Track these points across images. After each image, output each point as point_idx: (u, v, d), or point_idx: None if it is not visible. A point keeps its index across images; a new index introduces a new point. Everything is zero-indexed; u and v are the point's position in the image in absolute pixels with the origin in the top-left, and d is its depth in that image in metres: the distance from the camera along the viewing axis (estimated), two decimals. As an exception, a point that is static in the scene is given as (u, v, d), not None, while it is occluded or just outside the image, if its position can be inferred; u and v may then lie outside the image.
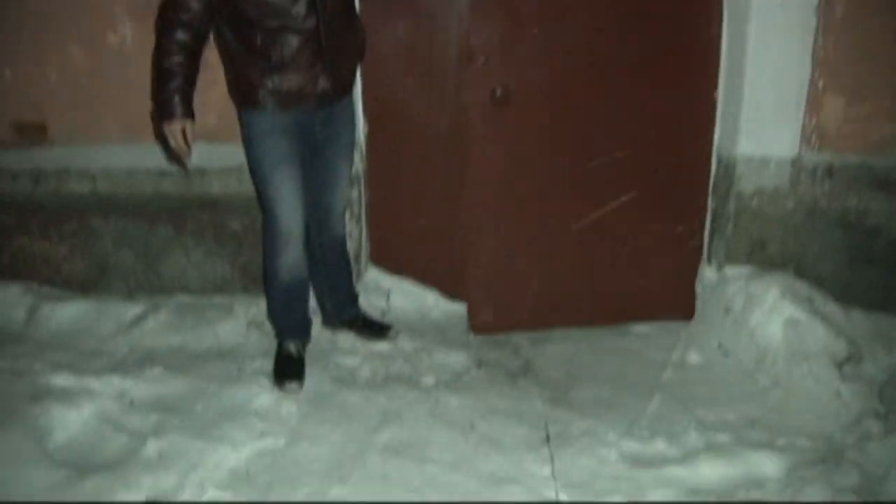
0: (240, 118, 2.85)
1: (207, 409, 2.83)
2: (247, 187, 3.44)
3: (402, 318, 3.55)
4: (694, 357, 3.14)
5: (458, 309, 3.66)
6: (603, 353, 3.29)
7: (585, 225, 3.07)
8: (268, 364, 3.11)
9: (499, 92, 3.07)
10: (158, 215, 3.57)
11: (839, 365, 2.73)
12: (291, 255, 2.86)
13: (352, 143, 3.03)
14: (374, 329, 3.32)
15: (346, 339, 3.32)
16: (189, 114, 2.64)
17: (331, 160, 2.95)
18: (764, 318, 2.95)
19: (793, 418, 2.71)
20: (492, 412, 2.80)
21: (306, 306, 3.11)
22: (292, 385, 2.92)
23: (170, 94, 2.60)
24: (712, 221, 3.27)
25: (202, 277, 3.67)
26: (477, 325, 3.46)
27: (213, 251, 3.61)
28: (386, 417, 2.76)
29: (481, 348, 3.34)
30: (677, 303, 3.40)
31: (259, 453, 2.62)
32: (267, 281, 3.04)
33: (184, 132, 2.64)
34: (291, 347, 3.07)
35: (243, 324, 3.42)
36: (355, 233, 3.55)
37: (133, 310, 3.52)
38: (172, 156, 3.11)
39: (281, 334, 3.12)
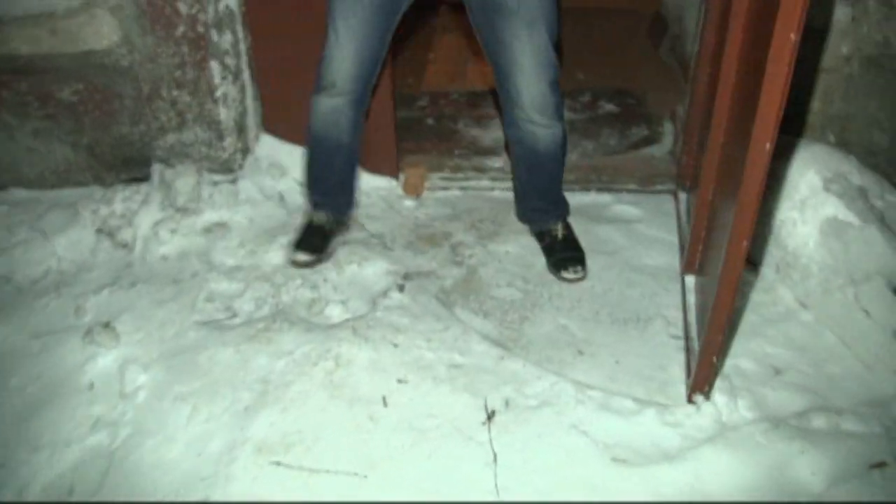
0: None
1: (25, 385, 2.06)
2: (69, 43, 2.45)
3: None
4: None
5: (382, 186, 2.78)
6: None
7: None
8: (117, 295, 2.30)
9: None
10: (-42, 85, 2.58)
11: (903, 292, 1.93)
12: (325, 106, 2.26)
13: (535, 9, 2.03)
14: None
15: (227, 249, 2.47)
16: None
17: (495, 32, 2.08)
18: (794, 214, 2.10)
19: (833, 366, 1.95)
20: (415, 370, 2.01)
21: (334, 177, 2.43)
22: (298, 255, 2.38)
23: None
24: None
25: (38, 165, 2.74)
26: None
27: (45, 130, 2.66)
28: (266, 390, 1.97)
29: (409, 250, 2.48)
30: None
31: (88, 457, 1.88)
32: None
33: None
34: (315, 216, 2.46)
35: (91, 232, 2.54)
36: (233, 92, 2.58)
37: (-55, 217, 2.63)
38: None
39: (308, 194, 2.52)
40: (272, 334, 2.11)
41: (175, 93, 2.50)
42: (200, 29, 2.37)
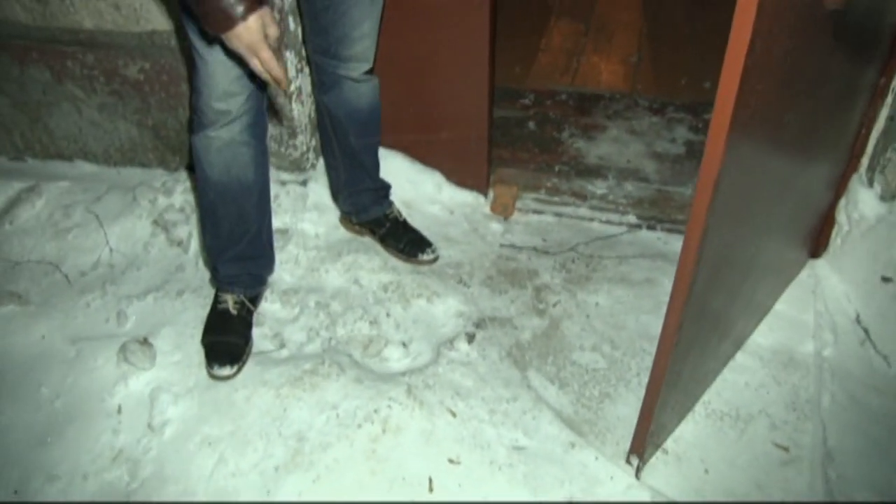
0: None
1: (54, 397, 1.94)
2: (132, 21, 2.25)
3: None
4: (806, 347, 1.94)
5: (467, 202, 2.48)
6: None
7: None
8: (162, 303, 2.11)
9: None
10: (27, 52, 2.41)
11: None
12: (217, 142, 1.73)
13: None
14: (407, 241, 2.23)
15: (285, 263, 2.23)
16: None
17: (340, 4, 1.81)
18: None
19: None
20: (470, 448, 1.71)
21: (247, 232, 1.92)
22: (217, 370, 1.88)
23: None
24: (892, 118, 1.88)
25: (104, 141, 2.58)
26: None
27: (110, 106, 2.47)
28: (300, 449, 1.73)
29: (487, 287, 2.18)
30: (798, 228, 2.12)
31: (103, 495, 1.72)
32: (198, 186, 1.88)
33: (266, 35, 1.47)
34: (228, 300, 1.98)
35: (146, 223, 2.36)
36: (308, 87, 2.31)
37: (8, 190, 2.50)
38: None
39: (213, 268, 2.01)
40: (318, 379, 1.87)
41: (246, 82, 2.26)
42: (276, 15, 2.10)
